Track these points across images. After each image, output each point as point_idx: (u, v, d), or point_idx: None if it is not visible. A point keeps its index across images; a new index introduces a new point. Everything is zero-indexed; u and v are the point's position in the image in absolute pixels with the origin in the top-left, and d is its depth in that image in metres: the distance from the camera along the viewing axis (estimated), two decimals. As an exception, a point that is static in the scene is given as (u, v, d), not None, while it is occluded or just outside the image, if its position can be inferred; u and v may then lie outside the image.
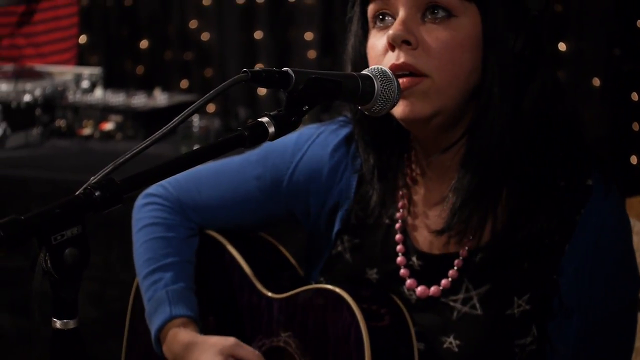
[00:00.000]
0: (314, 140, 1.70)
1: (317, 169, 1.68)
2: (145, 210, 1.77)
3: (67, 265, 1.07)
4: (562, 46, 3.93)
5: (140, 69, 4.86)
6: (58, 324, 1.09)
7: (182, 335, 1.64)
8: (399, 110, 1.44)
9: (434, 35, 1.42)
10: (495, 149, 1.45)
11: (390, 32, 1.43)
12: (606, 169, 1.51)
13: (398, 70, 1.41)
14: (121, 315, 1.82)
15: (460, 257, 1.54)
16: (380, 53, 1.45)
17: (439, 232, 1.53)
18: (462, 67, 1.44)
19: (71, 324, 1.10)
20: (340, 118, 1.70)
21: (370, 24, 1.49)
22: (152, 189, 1.77)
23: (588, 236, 1.48)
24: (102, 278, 2.70)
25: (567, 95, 1.52)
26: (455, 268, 1.54)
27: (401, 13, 1.43)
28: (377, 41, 1.47)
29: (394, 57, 1.42)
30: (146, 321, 1.69)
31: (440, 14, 1.43)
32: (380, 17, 1.47)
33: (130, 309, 1.79)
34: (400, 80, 1.40)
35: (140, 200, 1.79)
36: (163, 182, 1.75)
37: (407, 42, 1.42)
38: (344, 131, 1.67)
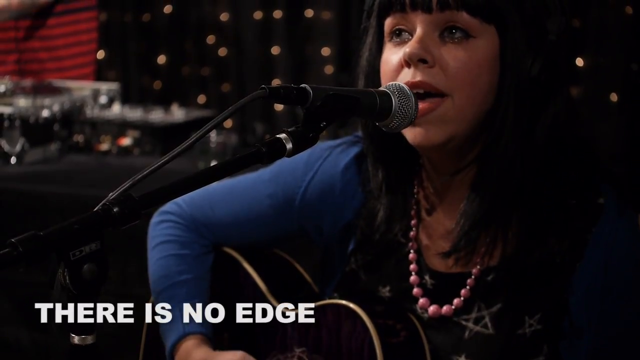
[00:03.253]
0: (325, 159, 1.70)
1: (329, 187, 1.68)
2: (159, 227, 1.78)
3: (86, 281, 1.07)
4: (579, 61, 3.92)
5: (157, 84, 4.89)
6: (76, 339, 1.10)
7: (194, 352, 1.64)
8: (412, 135, 1.43)
9: (451, 54, 1.41)
10: (506, 174, 1.44)
11: (407, 49, 1.41)
12: (619, 186, 1.50)
13: (414, 88, 1.39)
14: (137, 330, 1.82)
15: (473, 277, 1.53)
16: (394, 69, 1.44)
17: (445, 255, 1.52)
18: (479, 89, 1.42)
19: (89, 339, 1.10)
20: (351, 136, 1.69)
21: (386, 38, 1.48)
22: (167, 206, 1.78)
23: (599, 255, 1.46)
24: (118, 293, 2.70)
25: (581, 117, 1.51)
26: (468, 287, 1.54)
27: (419, 31, 1.42)
28: (392, 56, 1.46)
29: (409, 75, 1.41)
30: (161, 338, 1.70)
31: (459, 34, 1.41)
32: (397, 32, 1.46)
33: (146, 325, 1.80)
34: (421, 105, 1.39)
35: (155, 218, 1.80)
36: (178, 199, 1.76)
37: (423, 61, 1.41)
38: (355, 149, 1.67)
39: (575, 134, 1.49)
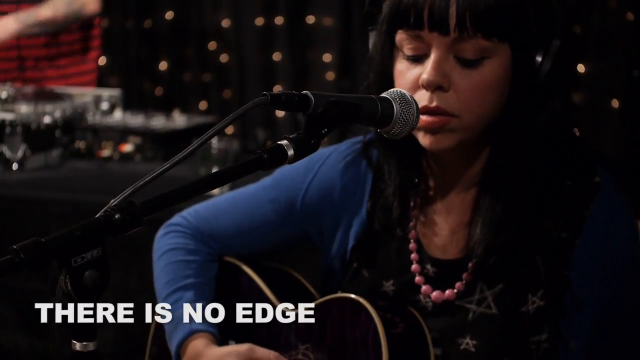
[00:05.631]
0: (325, 161, 1.72)
1: (329, 189, 1.71)
2: (166, 238, 1.80)
3: (87, 288, 1.07)
4: (581, 67, 3.92)
5: (159, 91, 4.89)
6: (78, 346, 1.10)
7: (201, 349, 1.65)
8: (423, 140, 1.47)
9: (465, 79, 1.44)
10: (510, 168, 1.49)
11: (425, 76, 1.44)
12: (613, 166, 1.54)
13: (430, 112, 1.44)
14: (138, 337, 1.82)
15: (474, 260, 1.55)
16: (410, 87, 1.46)
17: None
18: (488, 107, 1.46)
19: (91, 346, 1.10)
20: (351, 139, 1.72)
21: (398, 46, 1.49)
22: (173, 219, 1.82)
23: (598, 230, 1.50)
24: (120, 299, 2.69)
25: (578, 111, 1.55)
26: (469, 271, 1.56)
27: (435, 54, 1.44)
28: (408, 72, 1.48)
29: (426, 99, 1.44)
30: (167, 343, 1.70)
31: (473, 56, 1.44)
32: (411, 50, 1.47)
33: (151, 333, 1.80)
34: (431, 119, 1.44)
35: (161, 231, 1.82)
36: (183, 213, 1.81)
37: (440, 87, 1.44)
38: (354, 151, 1.69)
39: (570, 122, 1.54)
